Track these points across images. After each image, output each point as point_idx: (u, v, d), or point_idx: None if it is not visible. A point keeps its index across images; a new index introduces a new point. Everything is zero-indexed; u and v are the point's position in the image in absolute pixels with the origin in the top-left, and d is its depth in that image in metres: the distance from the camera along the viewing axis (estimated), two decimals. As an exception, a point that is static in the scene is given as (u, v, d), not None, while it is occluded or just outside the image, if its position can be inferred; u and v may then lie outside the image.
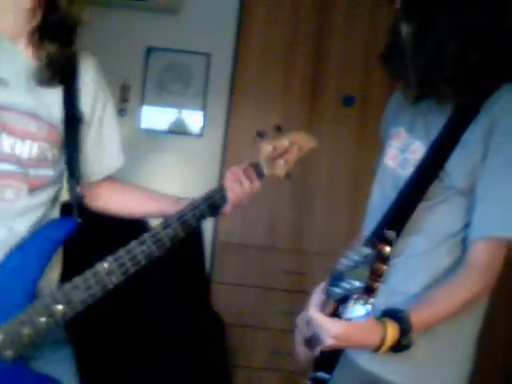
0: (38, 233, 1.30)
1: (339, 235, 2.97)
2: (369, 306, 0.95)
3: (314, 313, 1.03)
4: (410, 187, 1.27)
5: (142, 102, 3.17)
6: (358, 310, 0.96)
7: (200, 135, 3.19)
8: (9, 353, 1.23)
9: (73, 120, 1.33)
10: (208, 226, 3.11)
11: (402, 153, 1.33)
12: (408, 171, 1.29)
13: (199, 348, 2.65)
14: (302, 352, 1.41)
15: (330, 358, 1.32)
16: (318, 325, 1.03)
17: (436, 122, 1.27)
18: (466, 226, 1.25)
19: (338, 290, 0.97)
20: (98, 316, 1.56)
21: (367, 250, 0.93)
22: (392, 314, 1.13)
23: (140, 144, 3.16)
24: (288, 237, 3.08)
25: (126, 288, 1.35)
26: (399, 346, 1.11)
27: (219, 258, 3.08)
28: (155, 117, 3.19)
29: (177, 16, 3.14)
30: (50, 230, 1.32)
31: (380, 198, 1.37)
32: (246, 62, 3.07)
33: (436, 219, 1.27)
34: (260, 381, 3.04)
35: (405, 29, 1.23)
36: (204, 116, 3.19)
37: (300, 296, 2.96)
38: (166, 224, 1.31)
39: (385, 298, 1.13)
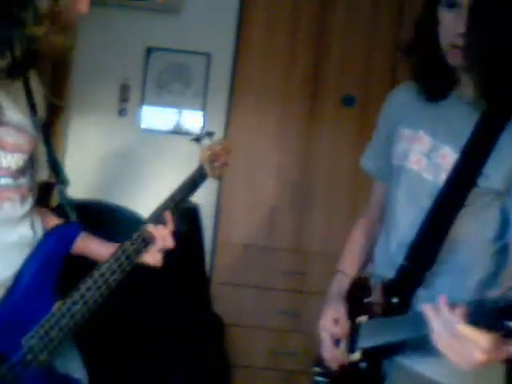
0: (50, 237, 1.36)
1: (339, 236, 2.96)
2: None
3: (464, 327, 0.96)
4: (448, 195, 1.25)
5: (142, 102, 3.17)
6: None
7: (200, 135, 3.19)
8: (43, 357, 1.28)
9: (42, 126, 1.38)
10: (208, 225, 3.11)
11: (427, 157, 1.31)
12: (442, 177, 1.27)
13: (199, 348, 2.65)
14: (332, 353, 1.39)
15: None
16: (468, 339, 0.97)
17: (463, 126, 1.25)
18: (503, 232, 1.25)
19: None
20: (98, 317, 1.56)
21: None
22: None
23: (140, 144, 3.16)
24: (288, 237, 3.08)
25: (127, 288, 1.36)
26: None
27: (219, 258, 3.08)
28: (155, 117, 3.19)
29: (177, 16, 3.14)
30: (59, 235, 1.37)
31: (410, 204, 1.34)
32: (246, 62, 3.07)
33: (476, 226, 1.26)
34: (260, 381, 3.04)
35: (461, 21, 1.17)
36: (204, 116, 3.19)
37: (300, 296, 2.98)
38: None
39: (427, 303, 1.09)
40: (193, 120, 3.19)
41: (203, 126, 3.19)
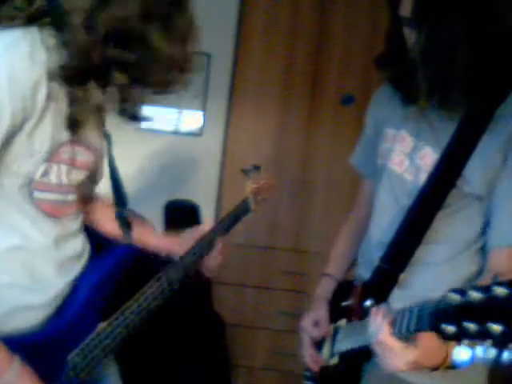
0: (110, 257, 1.36)
1: (339, 235, 2.97)
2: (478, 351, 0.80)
3: (388, 338, 0.98)
4: (427, 196, 1.25)
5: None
6: (461, 353, 0.82)
7: (200, 135, 3.19)
8: (82, 375, 1.29)
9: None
10: (208, 225, 3.11)
11: (409, 157, 1.31)
12: (421, 178, 1.27)
13: (200, 348, 2.65)
14: (311, 355, 1.39)
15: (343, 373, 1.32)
16: (392, 350, 0.98)
17: (445, 127, 1.25)
18: (484, 232, 1.24)
19: (452, 329, 0.82)
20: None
21: (501, 290, 0.77)
22: None
23: (140, 144, 3.16)
24: (288, 237, 3.08)
25: (127, 289, 1.36)
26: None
27: (219, 258, 3.08)
28: (155, 117, 3.18)
29: (177, 16, 3.14)
30: (118, 257, 1.38)
31: (390, 203, 1.35)
32: (246, 62, 3.07)
33: (454, 227, 1.26)
34: (260, 381, 3.05)
35: (414, 37, 1.20)
36: (204, 116, 3.19)
37: (300, 296, 2.98)
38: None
39: (403, 303, 1.08)
40: (193, 120, 3.19)
41: (203, 126, 3.19)
